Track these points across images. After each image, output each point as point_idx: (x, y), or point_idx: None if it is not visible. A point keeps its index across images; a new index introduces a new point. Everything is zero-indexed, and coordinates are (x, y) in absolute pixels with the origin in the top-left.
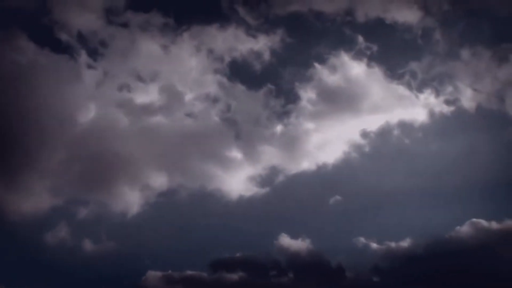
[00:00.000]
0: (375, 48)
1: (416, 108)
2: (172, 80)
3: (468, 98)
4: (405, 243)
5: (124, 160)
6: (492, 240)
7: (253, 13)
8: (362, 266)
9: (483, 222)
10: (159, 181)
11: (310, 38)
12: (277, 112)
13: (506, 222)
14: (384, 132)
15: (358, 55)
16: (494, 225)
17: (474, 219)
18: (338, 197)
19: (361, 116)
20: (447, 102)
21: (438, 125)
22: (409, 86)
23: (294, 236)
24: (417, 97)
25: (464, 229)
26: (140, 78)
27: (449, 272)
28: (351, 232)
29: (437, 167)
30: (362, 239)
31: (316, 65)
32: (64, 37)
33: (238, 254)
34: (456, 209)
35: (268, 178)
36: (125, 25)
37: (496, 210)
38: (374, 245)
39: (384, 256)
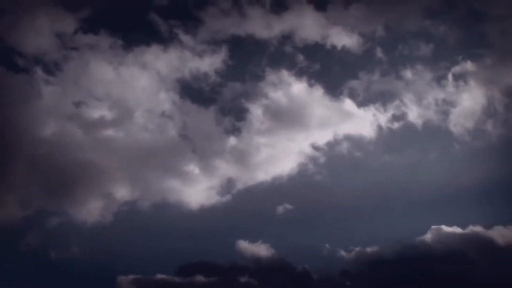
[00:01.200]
0: (315, 67)
1: (363, 123)
2: (124, 97)
3: (415, 115)
4: (370, 249)
5: (86, 172)
6: (456, 245)
7: (193, 36)
8: (330, 270)
9: (445, 228)
10: (121, 192)
11: (251, 58)
12: (228, 128)
13: (469, 228)
14: (333, 146)
15: (299, 74)
16: (457, 230)
17: (435, 226)
18: (289, 206)
19: (309, 131)
20: (395, 118)
21: (387, 139)
22: (352, 103)
23: (253, 241)
24: (363, 112)
25: (428, 235)
26: (93, 95)
27: (417, 276)
28: (312, 238)
29: (389, 178)
30: (327, 245)
31: (260, 83)
32: (21, 60)
33: (201, 259)
34: (417, 216)
35: (225, 189)
36: (76, 48)
37: (455, 217)
38: (338, 250)
39: (352, 261)
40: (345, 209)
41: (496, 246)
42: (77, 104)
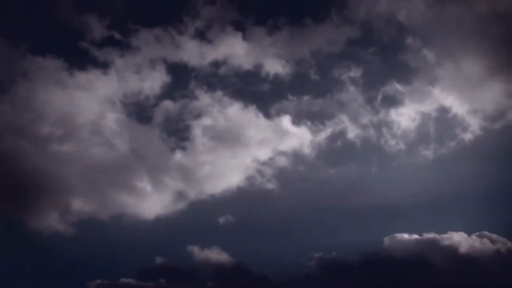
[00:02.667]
0: (250, 90)
1: (302, 140)
2: (70, 116)
3: (352, 133)
4: (331, 255)
5: (40, 185)
6: (413, 251)
7: (130, 61)
8: (292, 275)
9: (400, 235)
10: (79, 204)
11: (188, 81)
12: (173, 146)
13: (424, 235)
14: (275, 161)
15: (235, 96)
16: (414, 237)
17: (393, 234)
18: (240, 215)
19: (250, 148)
20: (333, 135)
21: (328, 154)
22: (289, 122)
23: (205, 247)
24: (301, 130)
25: (385, 242)
26: (42, 114)
27: (380, 280)
28: (267, 245)
29: (335, 189)
30: (285, 251)
31: (198, 104)
32: None
33: (159, 263)
34: (371, 225)
35: (177, 201)
36: (24, 73)
37: (407, 225)
38: (298, 256)
39: (314, 266)
40: (294, 218)
41: (450, 251)
42: (28, 121)
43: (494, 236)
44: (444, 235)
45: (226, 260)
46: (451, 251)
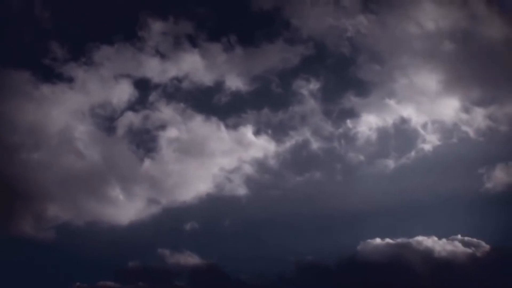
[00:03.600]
0: (212, 103)
1: (267, 150)
2: (40, 126)
3: (315, 144)
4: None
5: (13, 192)
6: (387, 254)
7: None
8: (267, 278)
9: (378, 240)
10: (54, 212)
11: (151, 94)
12: (141, 156)
13: (397, 240)
14: (242, 170)
15: (197, 109)
16: (386, 241)
17: (369, 240)
18: (208, 222)
19: (215, 158)
20: (297, 146)
21: (293, 163)
22: (253, 133)
23: (178, 250)
24: (265, 142)
25: (361, 247)
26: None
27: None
28: (242, 249)
29: (303, 196)
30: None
31: (163, 116)
32: None
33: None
34: (344, 229)
35: (148, 208)
36: None
37: (380, 230)
38: (267, 259)
39: (291, 269)
40: (265, 223)
41: (423, 254)
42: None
43: (466, 239)
44: (416, 239)
45: (200, 263)
46: (424, 254)
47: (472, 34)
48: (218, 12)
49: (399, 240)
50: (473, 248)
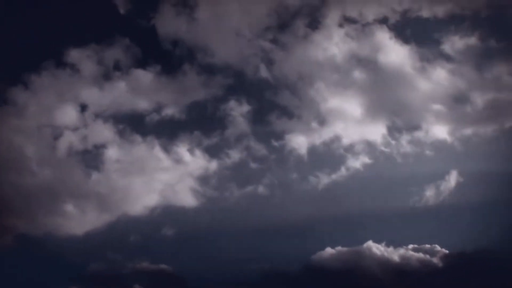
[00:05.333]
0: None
1: (202, 166)
2: None
3: (249, 161)
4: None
5: None
6: (349, 262)
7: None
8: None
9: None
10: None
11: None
12: (89, 173)
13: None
14: (187, 185)
15: (135, 130)
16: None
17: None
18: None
19: (157, 174)
20: (234, 164)
21: (232, 179)
22: (190, 153)
23: (134, 258)
24: (202, 160)
25: (318, 255)
26: None
27: None
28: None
29: (248, 208)
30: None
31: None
32: None
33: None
34: (300, 240)
35: (101, 219)
36: None
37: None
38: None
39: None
40: (218, 233)
41: (379, 261)
42: None
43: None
44: (367, 247)
45: (157, 269)
46: (375, 262)
47: (379, 63)
48: (139, 43)
49: (349, 248)
50: (426, 255)
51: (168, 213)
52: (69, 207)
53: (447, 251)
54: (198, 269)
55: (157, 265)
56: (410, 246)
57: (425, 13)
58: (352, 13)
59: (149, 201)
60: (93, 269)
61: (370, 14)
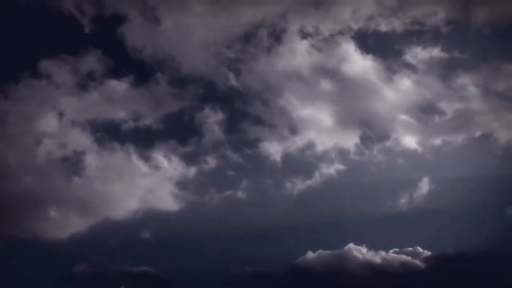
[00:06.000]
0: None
1: (184, 174)
2: None
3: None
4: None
5: None
6: (331, 264)
7: None
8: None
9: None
10: None
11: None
12: (70, 179)
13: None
14: (167, 190)
15: (112, 138)
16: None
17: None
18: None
19: (138, 180)
20: (211, 170)
21: (210, 184)
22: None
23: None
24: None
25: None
26: None
27: None
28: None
29: (229, 212)
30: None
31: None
32: None
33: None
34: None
35: (85, 223)
36: None
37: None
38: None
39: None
40: (202, 236)
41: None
42: None
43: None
44: (349, 250)
45: (143, 271)
46: (362, 263)
47: (344, 74)
48: (110, 54)
49: (331, 251)
50: (407, 257)
51: (150, 217)
52: (53, 212)
53: (428, 253)
54: (183, 271)
55: (141, 267)
56: (390, 248)
57: (383, 28)
58: (310, 28)
59: (130, 206)
60: (78, 271)
61: (326, 30)
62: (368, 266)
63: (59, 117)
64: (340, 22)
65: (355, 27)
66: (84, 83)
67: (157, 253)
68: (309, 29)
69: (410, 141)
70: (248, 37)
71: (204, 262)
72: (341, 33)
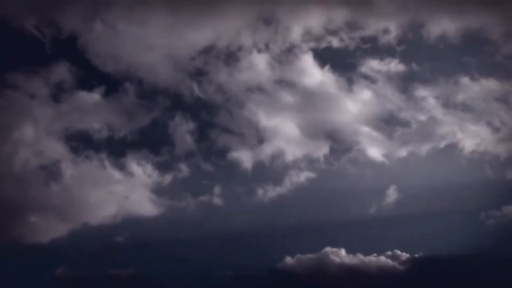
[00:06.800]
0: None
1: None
2: None
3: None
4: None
5: None
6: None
7: None
8: None
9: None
10: None
11: None
12: (47, 186)
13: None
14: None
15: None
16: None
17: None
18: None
19: (115, 186)
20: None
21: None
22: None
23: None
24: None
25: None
26: None
27: None
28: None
29: (204, 217)
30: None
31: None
32: None
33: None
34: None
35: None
36: None
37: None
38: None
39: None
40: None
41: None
42: None
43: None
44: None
45: (124, 274)
46: (340, 267)
47: (305, 87)
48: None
49: (309, 255)
50: (386, 260)
51: (128, 222)
52: (33, 218)
53: (405, 256)
54: (162, 274)
55: (121, 270)
56: (365, 251)
57: (336, 44)
58: (264, 43)
59: (108, 211)
60: (58, 274)
61: (282, 44)
62: (347, 268)
63: (34, 126)
64: (294, 38)
65: (309, 43)
66: (56, 94)
67: (136, 257)
68: (265, 43)
69: (375, 152)
70: (209, 51)
71: (183, 266)
72: (298, 47)
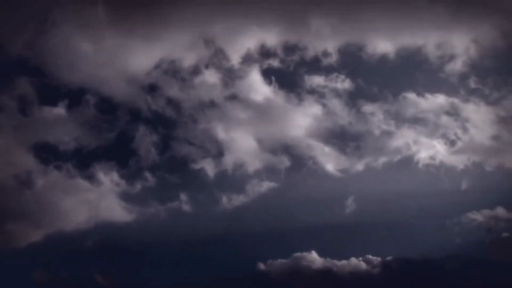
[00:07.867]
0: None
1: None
2: None
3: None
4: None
5: None
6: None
7: None
8: None
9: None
10: None
11: None
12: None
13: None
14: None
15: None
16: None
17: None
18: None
19: (87, 194)
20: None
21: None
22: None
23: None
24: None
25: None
26: None
27: None
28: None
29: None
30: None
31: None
32: None
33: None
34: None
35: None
36: None
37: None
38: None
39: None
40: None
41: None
42: None
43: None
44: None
45: (95, 277)
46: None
47: (255, 102)
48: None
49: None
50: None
51: (100, 227)
52: (9, 225)
53: (377, 260)
54: (134, 278)
55: (94, 273)
56: (335, 256)
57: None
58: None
59: (81, 217)
60: (35, 277)
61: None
62: (321, 272)
63: (5, 138)
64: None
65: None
66: (22, 109)
67: (109, 260)
68: (209, 62)
69: (330, 167)
70: (163, 66)
71: (155, 269)
72: (242, 65)
